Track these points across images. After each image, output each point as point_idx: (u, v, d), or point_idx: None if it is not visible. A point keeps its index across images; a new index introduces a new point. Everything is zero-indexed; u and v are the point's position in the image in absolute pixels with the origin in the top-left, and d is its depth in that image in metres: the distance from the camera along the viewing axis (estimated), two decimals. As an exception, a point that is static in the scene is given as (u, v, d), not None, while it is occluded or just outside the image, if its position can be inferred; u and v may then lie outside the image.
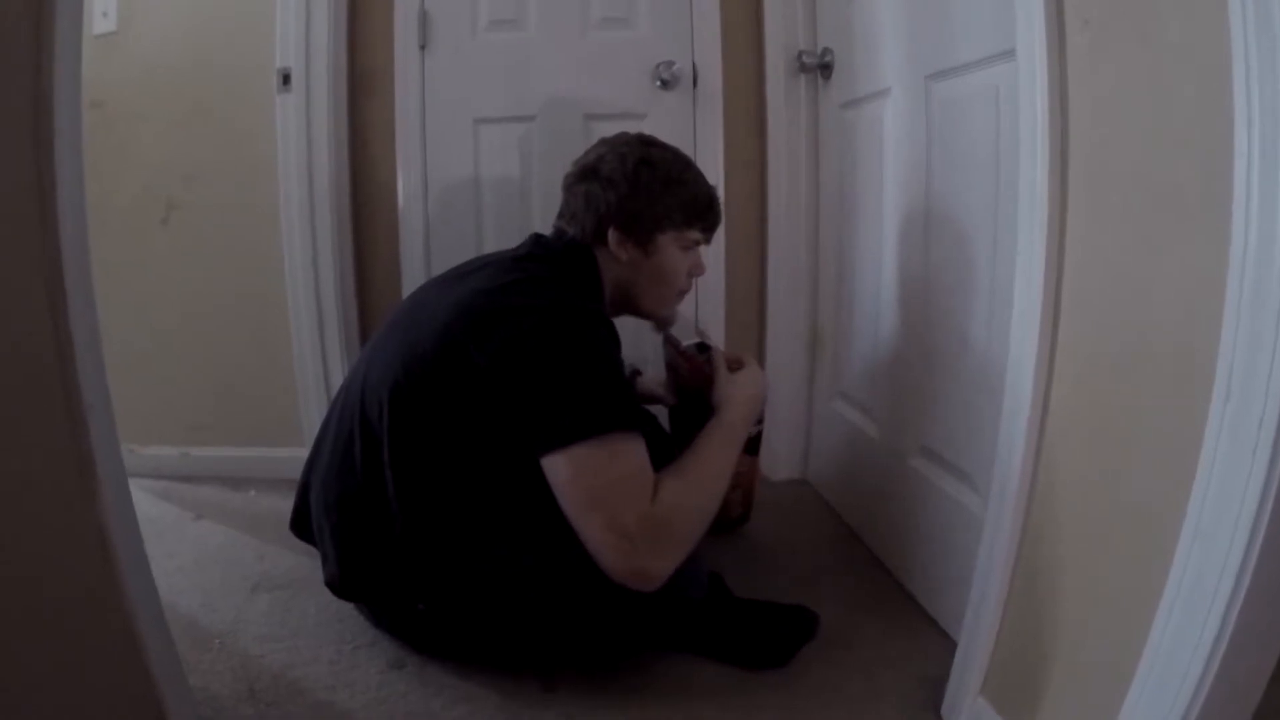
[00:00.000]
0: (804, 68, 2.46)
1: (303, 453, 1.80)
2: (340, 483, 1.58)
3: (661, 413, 2.00)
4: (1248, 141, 0.83)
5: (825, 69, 2.40)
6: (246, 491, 2.54)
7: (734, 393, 1.65)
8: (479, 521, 1.50)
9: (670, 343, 1.87)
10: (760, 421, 1.94)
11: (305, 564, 1.94)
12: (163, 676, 1.23)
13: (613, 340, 1.53)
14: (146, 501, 2.41)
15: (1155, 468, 1.01)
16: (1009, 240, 1.35)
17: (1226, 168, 0.86)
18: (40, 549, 1.08)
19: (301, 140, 2.47)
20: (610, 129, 1.87)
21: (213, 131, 2.52)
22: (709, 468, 1.52)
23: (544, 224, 1.84)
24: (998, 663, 1.35)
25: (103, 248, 1.22)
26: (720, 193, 1.78)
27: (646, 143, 1.71)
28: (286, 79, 2.45)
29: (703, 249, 1.77)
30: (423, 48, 2.57)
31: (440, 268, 1.93)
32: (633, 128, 1.83)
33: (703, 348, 1.81)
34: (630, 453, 1.41)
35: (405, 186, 2.62)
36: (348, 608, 1.77)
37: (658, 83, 2.55)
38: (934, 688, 1.49)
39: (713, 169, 2.49)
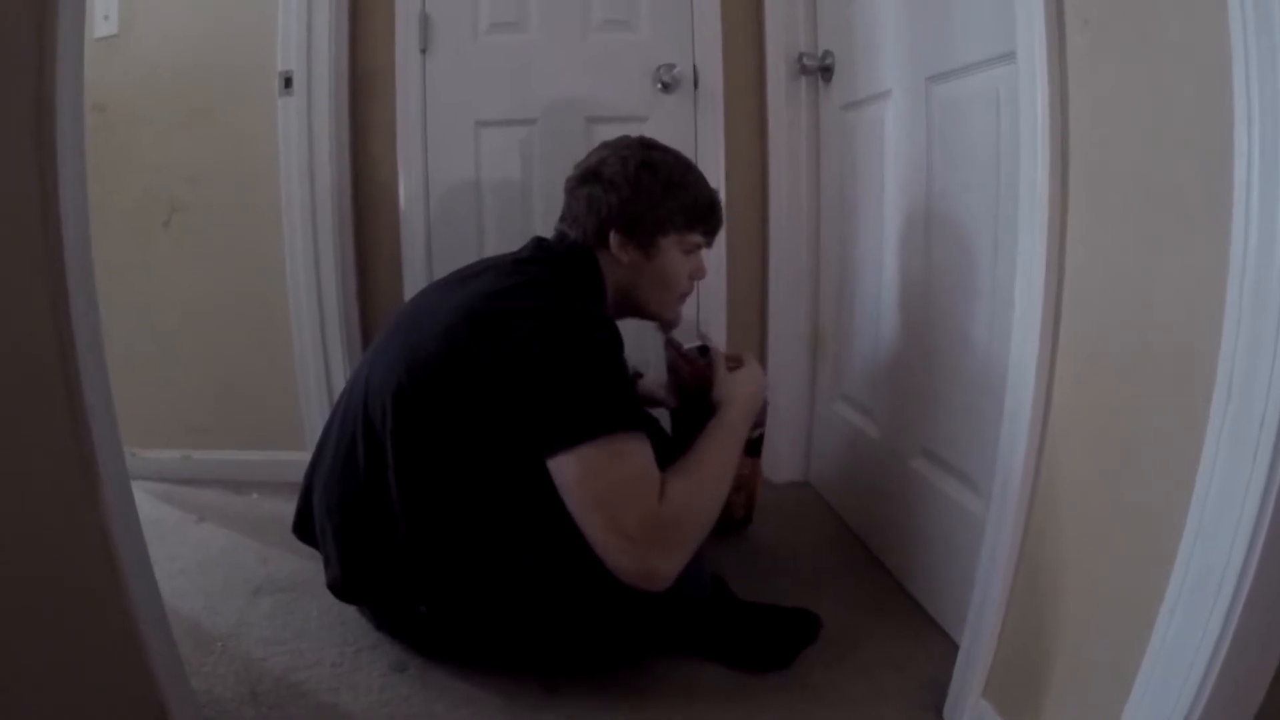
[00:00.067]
0: (805, 70, 2.46)
1: (305, 456, 1.80)
2: (343, 485, 1.58)
3: (663, 415, 2.00)
4: (1248, 141, 0.83)
5: (826, 71, 2.40)
6: (249, 494, 2.54)
7: (734, 392, 1.65)
8: (482, 524, 1.50)
9: (671, 345, 1.88)
10: (762, 424, 1.94)
11: (308, 567, 1.94)
12: (165, 679, 1.23)
13: (616, 341, 1.53)
14: (149, 504, 2.40)
15: (1157, 468, 1.01)
16: (1010, 241, 1.35)
17: (1227, 167, 0.86)
18: (43, 551, 1.08)
19: (303, 143, 2.48)
20: (611, 131, 1.87)
21: (215, 134, 2.53)
22: (712, 466, 1.52)
23: (545, 227, 1.84)
24: (1000, 664, 1.35)
25: (105, 250, 1.21)
26: (721, 195, 1.79)
27: (648, 146, 1.71)
28: (288, 82, 2.46)
29: (704, 252, 1.77)
30: (424, 51, 2.57)
31: (442, 270, 1.93)
32: (634, 130, 1.84)
33: (704, 350, 1.81)
34: (636, 453, 1.42)
35: (407, 189, 2.62)
36: (350, 610, 1.77)
37: (659, 85, 2.56)
38: (936, 689, 1.49)
39: (714, 171, 2.49)
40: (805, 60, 2.44)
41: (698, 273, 1.76)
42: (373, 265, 2.67)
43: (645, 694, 1.56)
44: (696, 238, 1.72)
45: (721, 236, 1.81)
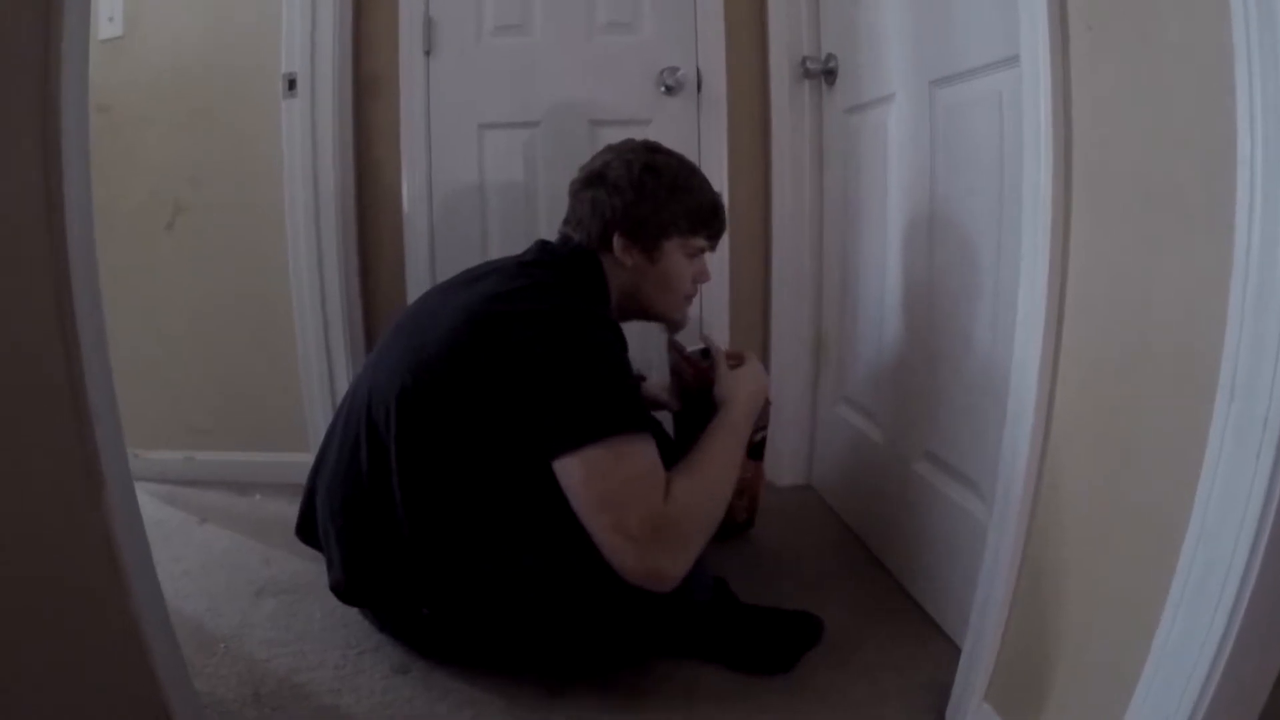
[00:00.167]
0: (808, 73, 2.46)
1: (308, 457, 1.80)
2: (346, 488, 1.58)
3: (666, 418, 2.00)
4: (1250, 142, 0.83)
5: (829, 74, 2.40)
6: (252, 496, 2.54)
7: (736, 390, 1.66)
8: (485, 526, 1.50)
9: (674, 348, 1.88)
10: (765, 427, 1.94)
11: (310, 569, 1.95)
12: (168, 680, 1.23)
13: (619, 343, 1.53)
14: (152, 505, 2.41)
15: (1159, 470, 1.01)
16: (1013, 244, 1.35)
17: (1229, 168, 0.86)
18: (46, 552, 1.08)
19: (307, 145, 2.48)
20: (615, 134, 1.87)
21: (218, 136, 2.53)
22: (716, 465, 1.52)
23: (549, 230, 1.84)
24: (1002, 667, 1.35)
25: (109, 252, 1.22)
26: (724, 198, 1.79)
27: (652, 149, 1.72)
28: (292, 84, 2.46)
29: (708, 255, 1.78)
30: (427, 53, 2.57)
31: (445, 273, 1.93)
32: (637, 133, 1.84)
33: (706, 353, 1.81)
34: (641, 453, 1.42)
35: (410, 192, 2.62)
36: (353, 612, 1.77)
37: (662, 88, 2.56)
38: (939, 693, 1.49)
39: (717, 174, 2.50)
40: (809, 63, 2.45)
41: (701, 276, 1.77)
42: (376, 267, 2.68)
43: (647, 696, 1.56)
44: (700, 241, 1.72)
45: (725, 239, 1.82)
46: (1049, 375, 1.21)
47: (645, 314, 1.76)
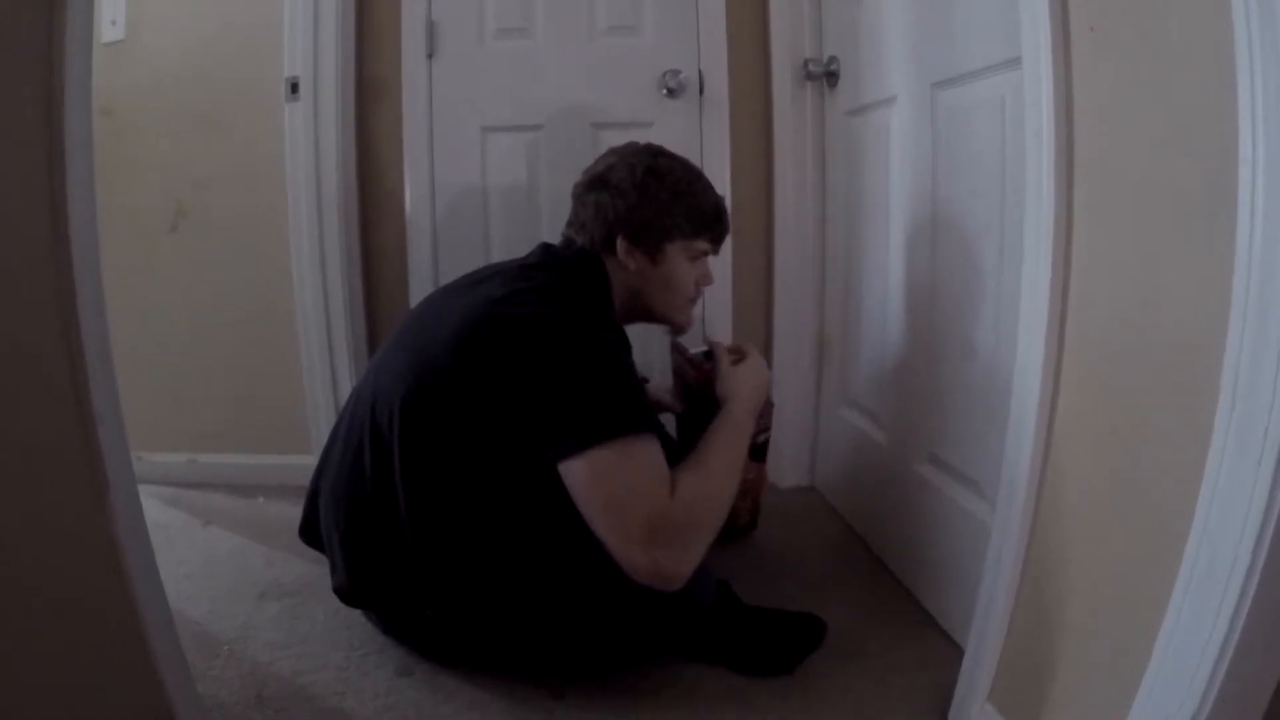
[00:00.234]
0: (810, 75, 2.47)
1: (311, 460, 1.80)
2: (349, 490, 1.58)
3: (669, 420, 2.00)
4: (1252, 143, 0.83)
5: (831, 77, 2.40)
6: (255, 498, 2.54)
7: (738, 387, 1.66)
8: (488, 529, 1.50)
9: (677, 350, 1.88)
10: (767, 429, 1.94)
11: (314, 571, 1.95)
12: (172, 683, 1.23)
13: (623, 345, 1.53)
14: (155, 508, 2.41)
15: (1162, 471, 1.01)
16: (1015, 247, 1.36)
17: (1231, 171, 0.86)
18: (50, 555, 1.08)
19: (309, 148, 2.49)
20: (617, 137, 1.87)
21: (221, 139, 2.54)
22: (720, 462, 1.52)
23: (552, 232, 1.84)
24: (1005, 668, 1.35)
25: (112, 255, 1.22)
26: (727, 200, 1.79)
27: (655, 153, 1.72)
28: (295, 87, 2.47)
29: (710, 258, 1.78)
30: (430, 56, 2.57)
31: (448, 276, 1.93)
32: (639, 136, 1.84)
33: (709, 355, 1.81)
34: (646, 453, 1.42)
35: (413, 194, 2.62)
36: (356, 614, 1.77)
37: (664, 91, 2.56)
38: (942, 694, 1.49)
39: (719, 176, 2.49)
40: (810, 66, 2.45)
41: (704, 279, 1.77)
42: (379, 270, 2.68)
43: (651, 698, 1.56)
44: (703, 244, 1.72)
45: (727, 242, 1.82)
46: (1051, 377, 1.21)
47: (648, 317, 1.76)
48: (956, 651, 1.53)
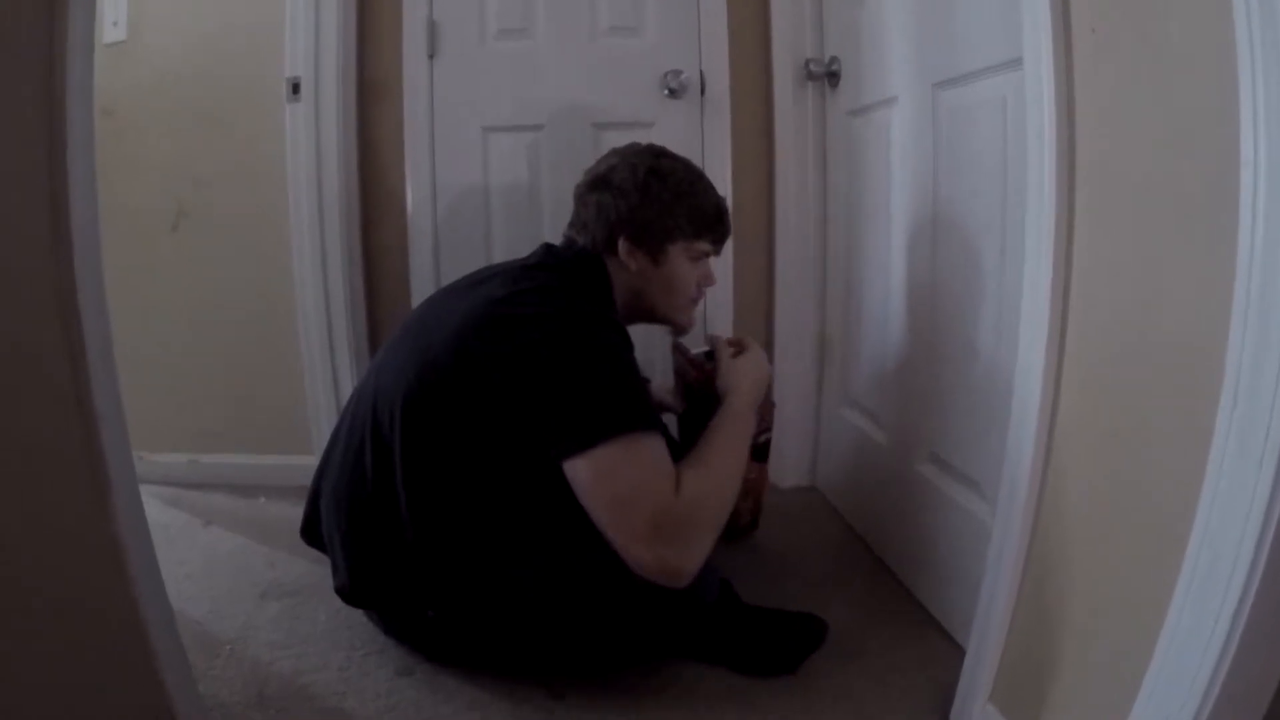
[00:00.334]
0: (811, 76, 2.47)
1: (312, 460, 1.80)
2: (351, 490, 1.58)
3: (670, 420, 2.00)
4: (1254, 145, 0.83)
5: (833, 77, 2.40)
6: (256, 498, 2.54)
7: (739, 381, 1.66)
8: (489, 529, 1.51)
9: (679, 350, 1.88)
10: (769, 429, 1.94)
11: (315, 571, 1.95)
12: (173, 683, 1.23)
13: (625, 344, 1.53)
14: (156, 508, 2.41)
15: (1163, 471, 1.01)
16: (1016, 247, 1.36)
17: (1233, 172, 0.86)
18: (52, 555, 1.08)
19: (311, 148, 2.49)
20: (618, 137, 1.88)
21: (222, 140, 2.54)
22: (724, 455, 1.53)
23: (553, 233, 1.84)
24: (1006, 669, 1.35)
25: (113, 255, 1.22)
26: (728, 200, 1.79)
27: (657, 153, 1.72)
28: (296, 88, 2.47)
29: (712, 259, 1.78)
30: (431, 56, 2.57)
31: (449, 276, 1.93)
32: (640, 136, 1.84)
33: (710, 355, 1.81)
34: (650, 450, 1.42)
35: (414, 194, 2.62)
36: (357, 615, 1.77)
37: (665, 91, 2.56)
38: (943, 694, 1.49)
39: (720, 177, 2.49)
40: (812, 66, 2.45)
41: (706, 280, 1.77)
42: (380, 270, 2.68)
43: (652, 697, 1.56)
44: (704, 245, 1.72)
45: (729, 241, 1.82)
46: (1052, 377, 1.21)
47: (650, 317, 1.76)
48: (957, 651, 1.53)
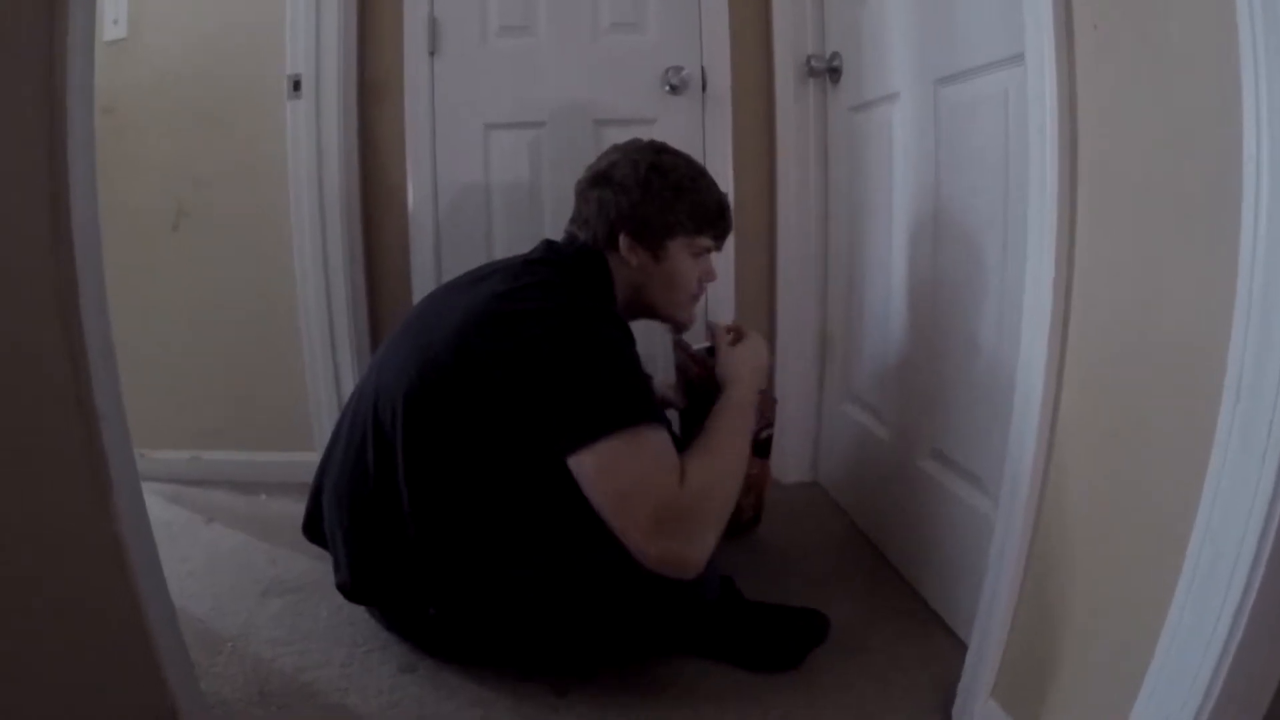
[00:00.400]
0: (813, 72, 2.47)
1: (313, 457, 1.80)
2: (352, 487, 1.59)
3: (673, 417, 2.00)
4: (1256, 141, 0.83)
5: (834, 73, 2.40)
6: (258, 495, 2.55)
7: (738, 368, 1.67)
8: (491, 525, 1.51)
9: (680, 346, 1.88)
10: (771, 424, 1.94)
11: (317, 568, 1.95)
12: (175, 680, 1.23)
13: (627, 338, 1.53)
14: (157, 505, 2.41)
15: (1165, 468, 1.01)
16: (1018, 243, 1.35)
17: (1235, 166, 0.86)
18: (53, 554, 1.08)
19: (311, 146, 2.49)
20: (620, 134, 1.87)
21: (223, 138, 2.54)
22: (727, 444, 1.52)
23: (555, 229, 1.84)
24: (1008, 665, 1.35)
25: (113, 253, 1.22)
26: (730, 197, 1.79)
27: (658, 150, 1.71)
28: (297, 85, 2.46)
29: (714, 255, 1.78)
30: (432, 54, 2.57)
31: (451, 273, 1.93)
32: (642, 133, 1.84)
33: (712, 351, 1.81)
34: (654, 443, 1.42)
35: (415, 192, 2.62)
36: (359, 611, 1.77)
37: (667, 87, 2.56)
38: (945, 689, 1.49)
39: (722, 173, 2.49)
40: (813, 62, 2.45)
41: (707, 276, 1.77)
42: (381, 267, 2.68)
43: (654, 694, 1.56)
44: (705, 241, 1.72)
45: (730, 238, 1.82)
46: (1054, 373, 1.21)
47: (651, 313, 1.76)
48: (960, 647, 1.53)
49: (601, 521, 1.40)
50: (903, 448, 2.02)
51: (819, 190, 2.54)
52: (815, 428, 2.66)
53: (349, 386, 2.46)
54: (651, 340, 2.16)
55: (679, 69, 2.54)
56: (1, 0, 0.99)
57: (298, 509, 1.78)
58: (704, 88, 2.58)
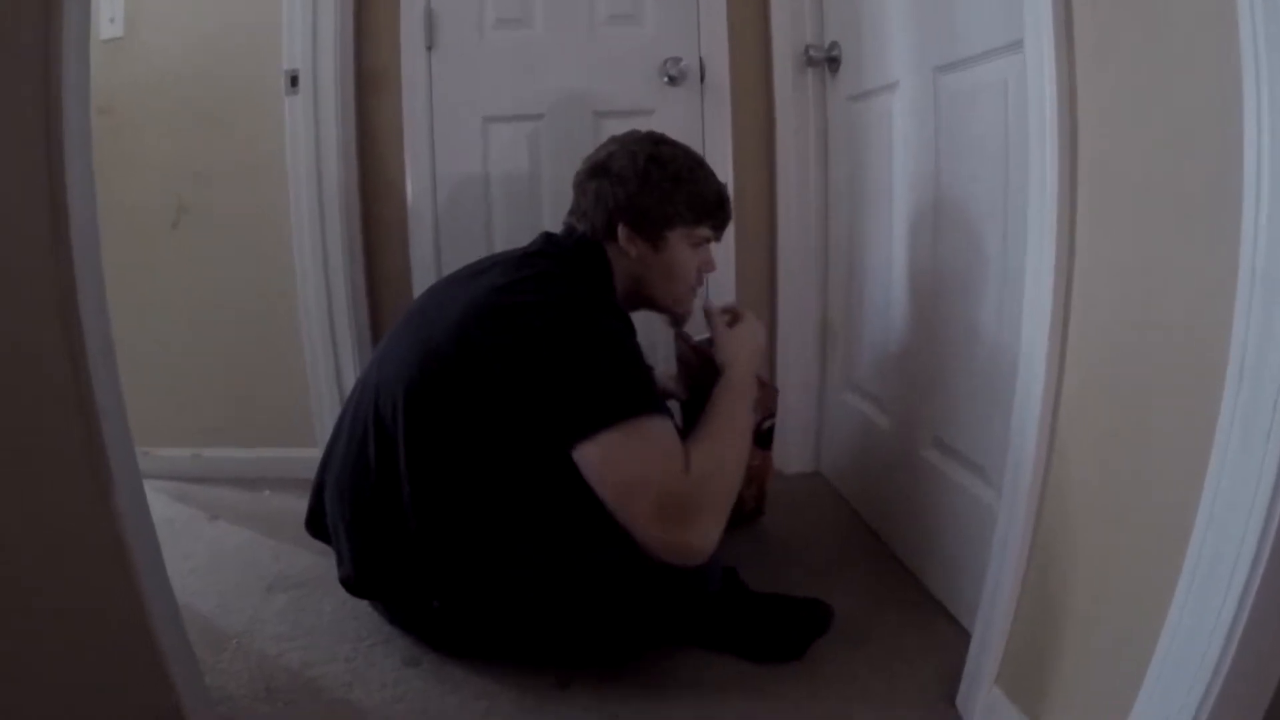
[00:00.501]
0: (811, 61, 2.46)
1: (315, 453, 1.80)
2: (354, 481, 1.59)
3: (675, 410, 2.00)
4: (1257, 145, 0.82)
5: (833, 62, 2.39)
6: (260, 492, 2.55)
7: (735, 350, 1.68)
8: (494, 519, 1.51)
9: (681, 337, 1.88)
10: (772, 414, 1.94)
11: (320, 563, 1.95)
12: (180, 677, 1.24)
13: (627, 329, 1.54)
14: (161, 503, 2.41)
15: (1168, 456, 1.01)
16: (1019, 231, 1.35)
17: (1233, 173, 0.85)
18: (56, 553, 1.08)
19: (310, 141, 2.48)
20: (618, 126, 1.87)
21: (221, 134, 2.53)
22: (728, 429, 1.53)
23: (554, 221, 1.84)
24: (1012, 653, 1.35)
25: (113, 252, 1.22)
26: (729, 187, 1.78)
27: (657, 140, 1.71)
28: (294, 80, 2.46)
29: (713, 245, 1.77)
30: (430, 48, 2.57)
31: (450, 266, 1.93)
32: (641, 124, 1.84)
33: (712, 342, 1.81)
34: (657, 432, 1.42)
35: (414, 186, 2.62)
36: (363, 606, 1.77)
37: (665, 79, 2.55)
38: (949, 679, 1.49)
39: (721, 163, 2.49)
40: (812, 51, 2.44)
41: (706, 266, 1.76)
42: (381, 262, 2.68)
43: (658, 686, 1.56)
44: (704, 231, 1.72)
45: (730, 228, 1.81)
46: (1056, 361, 1.21)
47: (650, 304, 1.76)
48: (964, 636, 1.53)
49: (603, 513, 1.40)
50: (904, 437, 2.02)
51: (819, 180, 2.54)
52: (817, 418, 2.66)
53: (350, 381, 2.46)
54: (652, 332, 2.16)
55: (677, 60, 2.53)
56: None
57: (300, 505, 1.79)
58: (702, 79, 2.57)
